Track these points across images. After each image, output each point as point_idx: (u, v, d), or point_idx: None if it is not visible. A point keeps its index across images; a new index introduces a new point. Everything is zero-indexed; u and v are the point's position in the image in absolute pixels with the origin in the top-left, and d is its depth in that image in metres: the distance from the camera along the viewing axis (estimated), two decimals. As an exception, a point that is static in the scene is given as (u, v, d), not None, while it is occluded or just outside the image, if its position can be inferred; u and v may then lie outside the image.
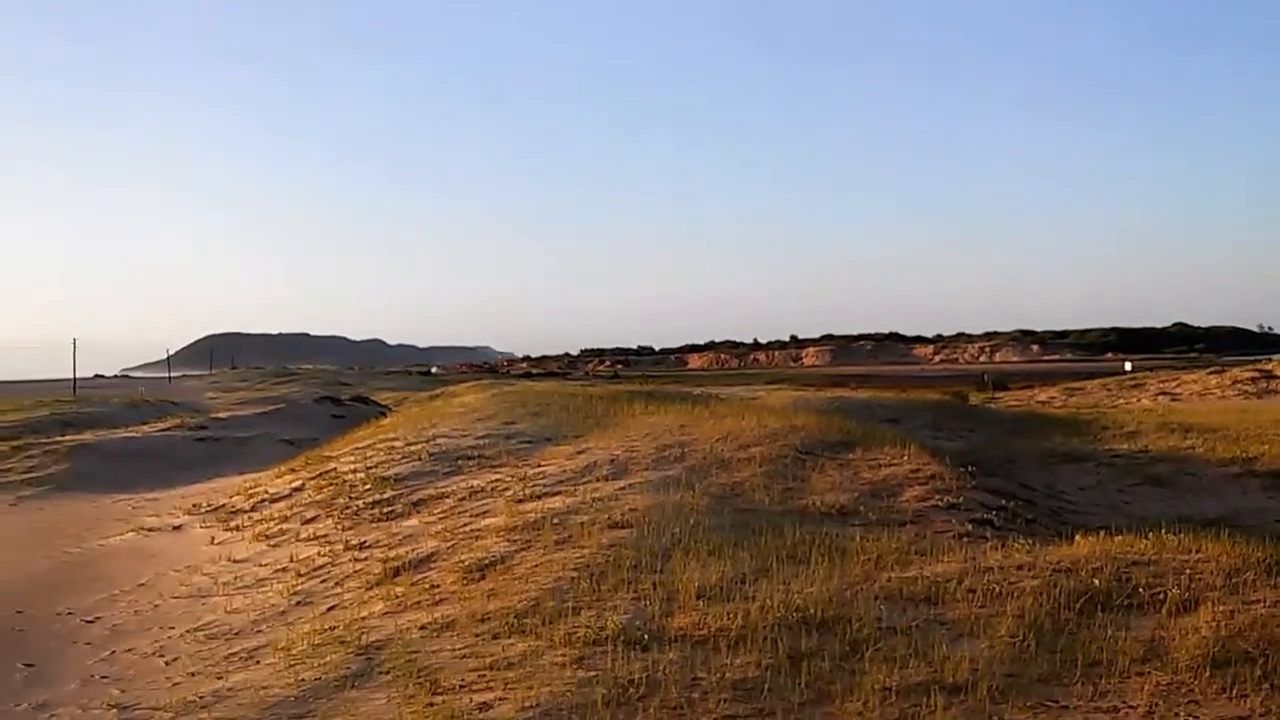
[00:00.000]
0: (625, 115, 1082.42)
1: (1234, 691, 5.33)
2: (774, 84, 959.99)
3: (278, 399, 54.22)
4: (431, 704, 6.01)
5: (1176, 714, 5.18)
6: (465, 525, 11.49)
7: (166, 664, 8.75)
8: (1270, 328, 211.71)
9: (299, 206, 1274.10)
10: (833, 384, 65.27)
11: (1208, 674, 5.54)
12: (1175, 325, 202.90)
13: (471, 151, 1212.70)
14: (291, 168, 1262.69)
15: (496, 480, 13.88)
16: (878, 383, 70.99)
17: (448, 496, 13.49)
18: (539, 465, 14.63)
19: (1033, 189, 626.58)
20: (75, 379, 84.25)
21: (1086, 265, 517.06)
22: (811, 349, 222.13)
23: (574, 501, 11.58)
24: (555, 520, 10.61)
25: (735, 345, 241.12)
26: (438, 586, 9.03)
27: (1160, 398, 46.11)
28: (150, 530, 16.26)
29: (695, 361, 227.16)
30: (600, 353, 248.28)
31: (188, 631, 9.74)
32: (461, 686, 6.25)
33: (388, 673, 6.76)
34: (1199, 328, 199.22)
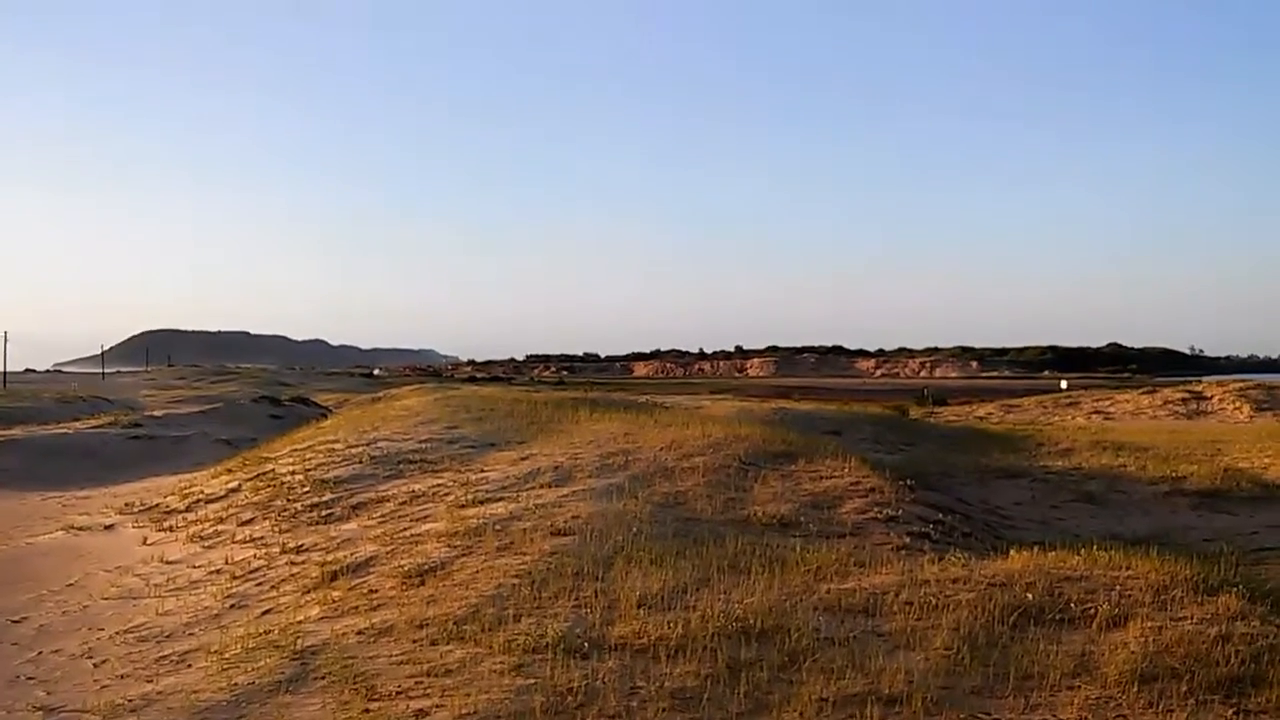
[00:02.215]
0: (573, 124, 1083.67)
1: (1161, 706, 5.46)
2: (723, 94, 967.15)
3: (215, 398, 53.38)
4: (367, 710, 5.94)
5: (1105, 727, 5.29)
6: (405, 530, 11.39)
7: (95, 666, 8.55)
8: (1201, 350, 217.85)
9: (239, 202, 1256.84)
10: (776, 395, 65.80)
11: (1136, 689, 5.66)
12: (1110, 345, 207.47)
13: (419, 155, 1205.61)
14: (234, 164, 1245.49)
15: (438, 485, 13.79)
16: (820, 395, 71.72)
17: (388, 500, 13.36)
18: (482, 470, 14.56)
19: (976, 209, 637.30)
20: (5, 373, 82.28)
21: (1026, 285, 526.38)
22: (756, 360, 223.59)
23: (516, 508, 11.54)
24: (497, 526, 10.56)
25: (681, 354, 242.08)
26: (376, 591, 8.94)
27: (1094, 416, 47.10)
28: (81, 529, 15.89)
29: (641, 370, 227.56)
30: (546, 359, 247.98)
31: (117, 633, 9.52)
32: (398, 693, 6.19)
33: (323, 678, 6.67)
34: (1132, 348, 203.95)
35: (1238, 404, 46.88)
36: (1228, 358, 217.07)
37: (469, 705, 5.80)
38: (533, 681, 6.07)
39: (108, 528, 15.92)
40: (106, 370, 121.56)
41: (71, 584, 12.25)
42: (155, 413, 40.50)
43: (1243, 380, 58.20)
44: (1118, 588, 7.44)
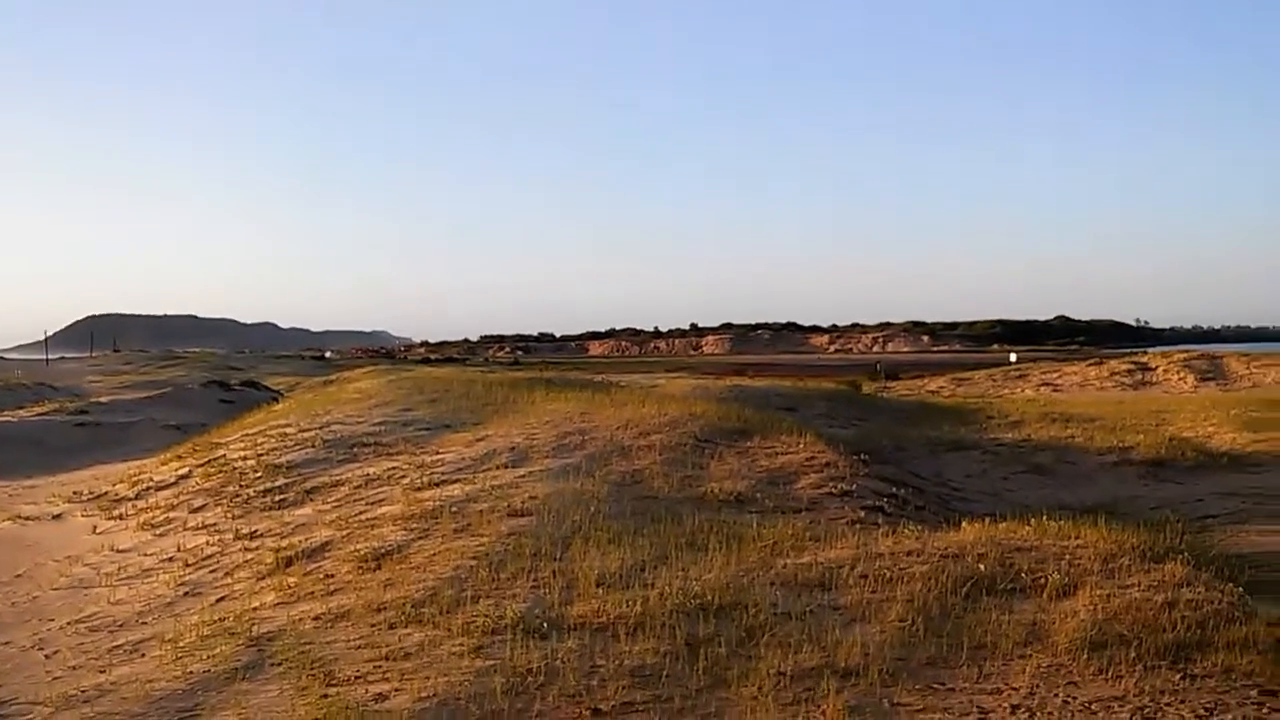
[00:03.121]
0: (524, 104, 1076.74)
1: (1110, 673, 5.58)
2: (672, 73, 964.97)
3: (163, 383, 52.48)
4: (326, 695, 5.92)
5: (1056, 695, 5.39)
6: (361, 514, 11.32)
7: (46, 657, 8.43)
8: (1147, 322, 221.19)
9: (184, 181, 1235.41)
10: (732, 372, 65.96)
11: (1085, 656, 5.78)
12: (1058, 318, 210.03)
13: (372, 139, 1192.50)
14: (177, 141, 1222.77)
15: (393, 468, 13.71)
16: (775, 371, 72.04)
17: (343, 484, 13.26)
18: (437, 453, 14.48)
19: (926, 185, 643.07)
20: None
21: (975, 259, 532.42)
22: (711, 337, 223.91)
23: (473, 489, 11.50)
24: (454, 508, 10.53)
25: (636, 333, 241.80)
26: (332, 576, 8.88)
27: (1043, 388, 47.82)
28: (28, 519, 15.62)
29: (596, 349, 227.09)
30: (500, 339, 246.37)
31: (69, 624, 9.38)
32: (357, 677, 6.17)
33: (280, 664, 6.63)
34: (1080, 321, 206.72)
35: (1182, 374, 47.81)
36: (1172, 329, 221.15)
37: (429, 688, 5.80)
38: (492, 663, 6.07)
39: (56, 517, 15.67)
40: (50, 356, 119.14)
41: (20, 575, 12.04)
42: (102, 399, 39.77)
43: (1187, 351, 59.33)
44: (1067, 557, 7.58)
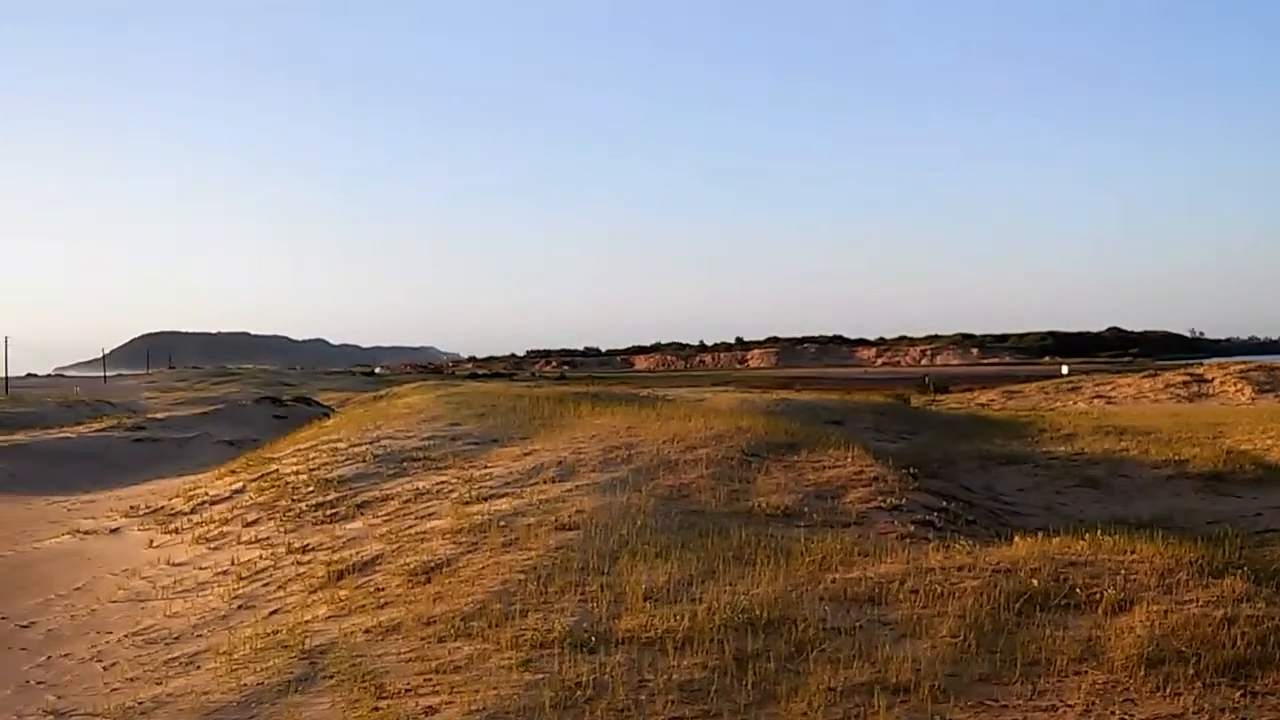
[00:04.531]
0: (569, 119, 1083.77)
1: (1168, 690, 5.47)
2: (715, 87, 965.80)
3: (217, 399, 53.42)
4: (376, 708, 5.96)
5: (1112, 712, 5.30)
6: (410, 528, 11.41)
7: (104, 669, 8.59)
8: (1202, 333, 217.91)
9: (238, 202, 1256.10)
10: (778, 386, 65.73)
11: (1143, 673, 5.67)
12: (1110, 330, 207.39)
13: (417, 154, 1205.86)
14: (228, 163, 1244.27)
15: (442, 482, 13.81)
16: (822, 385, 71.71)
17: (392, 499, 13.39)
18: (485, 467, 14.57)
19: (974, 196, 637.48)
20: (7, 378, 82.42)
21: (1025, 270, 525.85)
22: (757, 351, 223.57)
23: (521, 503, 11.55)
24: (502, 522, 10.58)
25: (682, 347, 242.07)
26: (383, 590, 8.96)
27: (1096, 401, 47.11)
28: (87, 533, 15.93)
29: (642, 363, 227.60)
30: (546, 354, 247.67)
31: (126, 636, 9.56)
32: (407, 690, 6.21)
33: (332, 677, 6.69)
34: (1133, 332, 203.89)
35: (1239, 386, 46.90)
36: (1229, 340, 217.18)
37: (478, 701, 5.82)
38: (541, 676, 6.08)
39: (113, 531, 15.96)
40: (108, 373, 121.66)
41: (79, 588, 12.28)
42: (158, 415, 40.53)
43: (1244, 362, 58.18)
44: (1123, 572, 7.45)
